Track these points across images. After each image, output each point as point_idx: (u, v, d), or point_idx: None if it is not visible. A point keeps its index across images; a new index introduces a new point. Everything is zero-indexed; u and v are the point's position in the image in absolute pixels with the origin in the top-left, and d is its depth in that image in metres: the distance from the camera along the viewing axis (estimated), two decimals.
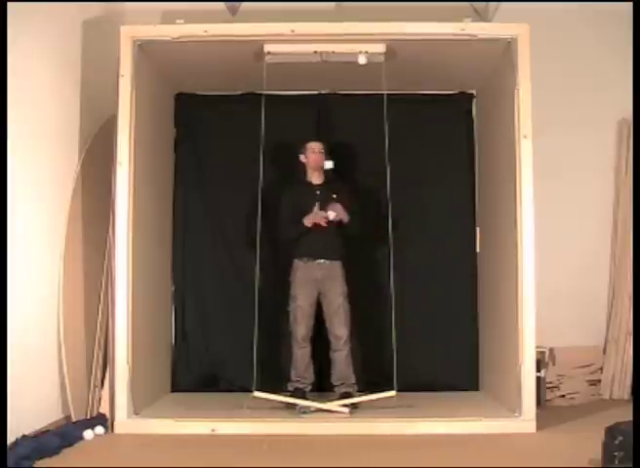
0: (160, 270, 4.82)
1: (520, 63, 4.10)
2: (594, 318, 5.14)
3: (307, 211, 4.43)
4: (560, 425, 4.14)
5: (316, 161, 4.56)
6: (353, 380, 4.49)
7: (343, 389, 4.45)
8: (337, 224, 4.43)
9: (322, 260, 4.45)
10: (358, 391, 4.48)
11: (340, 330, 4.44)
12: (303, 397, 4.39)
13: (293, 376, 4.52)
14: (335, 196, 4.47)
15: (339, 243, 4.52)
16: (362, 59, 4.25)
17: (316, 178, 4.60)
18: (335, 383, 4.50)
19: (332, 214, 4.36)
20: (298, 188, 4.62)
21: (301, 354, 4.48)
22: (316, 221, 4.36)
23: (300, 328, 4.45)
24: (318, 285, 4.47)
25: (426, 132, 5.13)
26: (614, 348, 5.05)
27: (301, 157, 4.59)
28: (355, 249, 4.72)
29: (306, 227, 4.40)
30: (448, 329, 5.02)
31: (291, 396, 4.37)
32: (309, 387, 4.53)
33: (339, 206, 4.40)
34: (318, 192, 4.54)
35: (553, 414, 4.36)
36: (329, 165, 4.66)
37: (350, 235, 4.56)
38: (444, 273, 5.05)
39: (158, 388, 4.71)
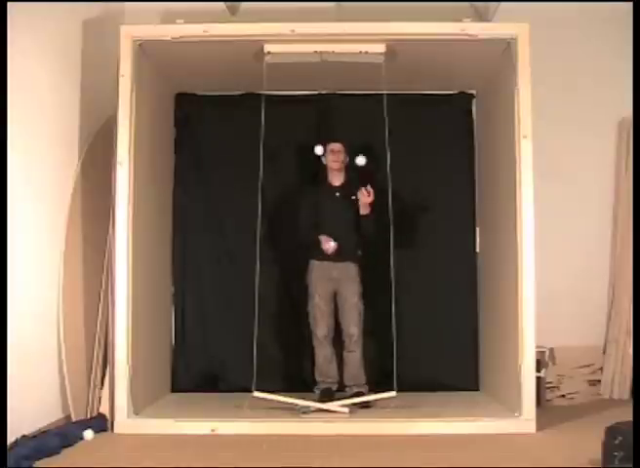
0: (160, 270, 4.82)
1: (520, 63, 4.10)
2: (594, 318, 5.13)
3: (326, 214, 4.45)
4: (560, 425, 4.14)
5: (334, 161, 4.52)
6: (364, 381, 4.51)
7: (355, 389, 4.47)
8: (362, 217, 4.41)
9: (337, 262, 4.44)
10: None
11: (351, 328, 4.44)
12: (331, 396, 4.37)
13: (317, 377, 4.52)
14: (354, 197, 4.42)
15: (354, 245, 4.50)
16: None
17: (336, 180, 4.57)
18: (347, 384, 4.52)
19: (332, 247, 4.34)
20: (317, 191, 4.60)
21: (323, 354, 4.48)
22: (324, 249, 4.36)
23: (320, 327, 4.46)
24: (334, 283, 4.47)
25: (426, 132, 5.12)
26: (614, 348, 5.05)
27: (323, 159, 4.57)
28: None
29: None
30: (448, 329, 5.01)
31: (320, 398, 4.32)
32: (336, 385, 4.52)
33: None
34: (337, 194, 4.52)
35: (553, 414, 4.37)
36: (361, 161, 4.50)
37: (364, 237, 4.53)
38: (444, 273, 5.05)
39: (158, 388, 4.71)
